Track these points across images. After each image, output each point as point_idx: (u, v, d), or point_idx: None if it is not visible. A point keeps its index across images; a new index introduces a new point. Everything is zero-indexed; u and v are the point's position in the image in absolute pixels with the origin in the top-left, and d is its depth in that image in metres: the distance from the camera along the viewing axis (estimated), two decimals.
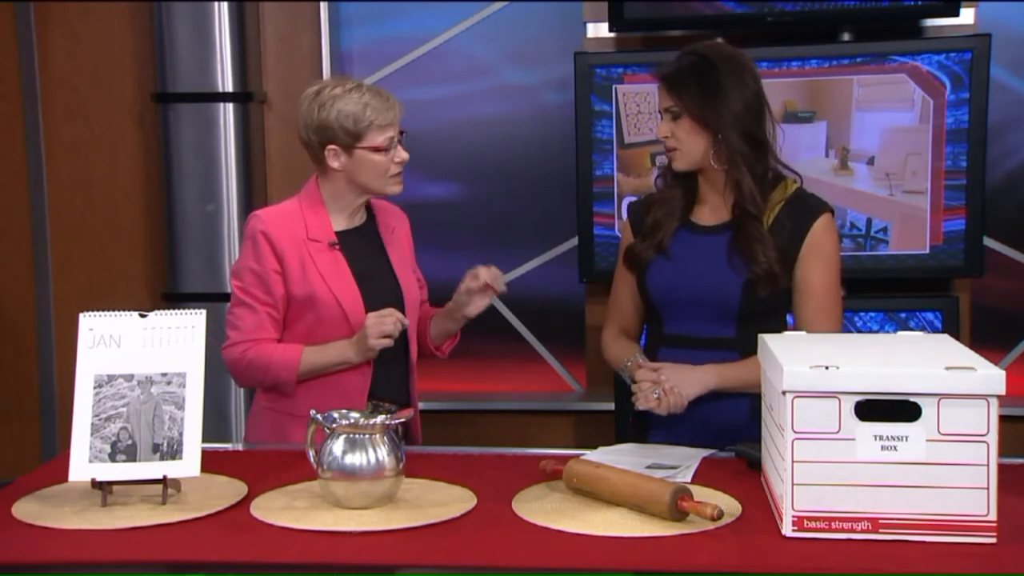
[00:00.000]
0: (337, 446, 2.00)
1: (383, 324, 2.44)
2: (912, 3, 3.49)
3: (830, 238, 2.45)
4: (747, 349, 2.33)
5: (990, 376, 1.76)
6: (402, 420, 2.07)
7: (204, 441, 2.09)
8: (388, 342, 2.45)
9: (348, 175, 2.53)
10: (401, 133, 2.55)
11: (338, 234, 2.56)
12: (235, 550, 1.84)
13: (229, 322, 2.54)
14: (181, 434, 2.06)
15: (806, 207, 2.45)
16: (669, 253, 2.48)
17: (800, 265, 2.43)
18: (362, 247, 2.59)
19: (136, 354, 2.10)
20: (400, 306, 2.57)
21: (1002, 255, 3.67)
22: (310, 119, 2.51)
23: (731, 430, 2.36)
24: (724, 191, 2.46)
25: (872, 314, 3.59)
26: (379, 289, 2.56)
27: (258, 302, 2.51)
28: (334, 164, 2.51)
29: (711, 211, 2.50)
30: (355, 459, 1.98)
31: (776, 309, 2.47)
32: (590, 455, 2.25)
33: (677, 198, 2.50)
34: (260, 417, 2.60)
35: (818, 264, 2.43)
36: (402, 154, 2.54)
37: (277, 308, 2.52)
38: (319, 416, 2.03)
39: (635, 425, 2.58)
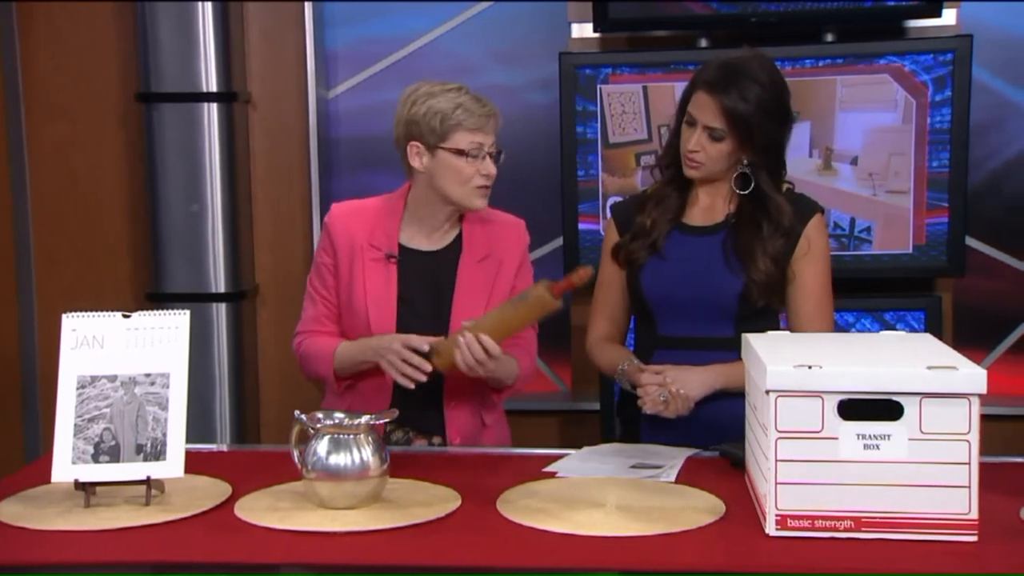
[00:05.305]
0: (321, 446, 1.99)
1: (404, 367, 2.31)
2: (895, 4, 3.51)
3: (822, 238, 2.47)
4: None
5: (972, 375, 1.77)
6: (386, 420, 2.06)
7: (188, 442, 2.08)
8: (404, 380, 2.32)
9: (429, 178, 2.41)
10: (500, 152, 2.42)
11: (405, 248, 2.47)
12: (219, 551, 1.84)
13: None
14: (165, 435, 2.06)
15: (799, 208, 2.46)
16: (663, 254, 2.47)
17: (794, 265, 2.44)
18: (425, 270, 2.47)
19: (119, 355, 2.09)
20: None
21: (984, 255, 3.69)
22: (402, 115, 2.43)
23: (732, 430, 2.35)
24: (727, 197, 2.46)
25: (855, 314, 3.60)
26: (420, 318, 2.44)
27: (317, 293, 2.51)
28: (415, 163, 2.41)
29: (703, 212, 2.49)
30: (339, 459, 1.98)
31: (774, 308, 2.47)
32: (575, 455, 2.26)
33: (673, 199, 2.49)
34: None
35: (812, 264, 2.44)
36: (489, 167, 2.39)
37: (333, 300, 2.50)
38: (303, 416, 2.03)
39: (623, 426, 2.57)
